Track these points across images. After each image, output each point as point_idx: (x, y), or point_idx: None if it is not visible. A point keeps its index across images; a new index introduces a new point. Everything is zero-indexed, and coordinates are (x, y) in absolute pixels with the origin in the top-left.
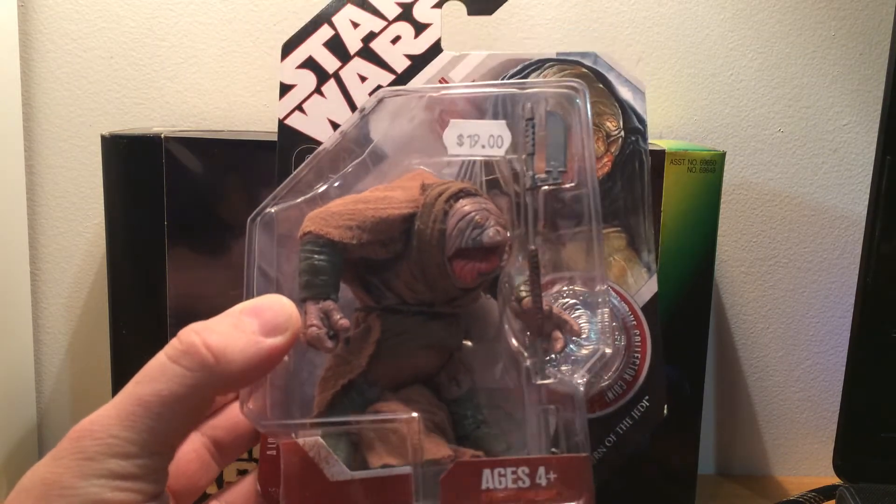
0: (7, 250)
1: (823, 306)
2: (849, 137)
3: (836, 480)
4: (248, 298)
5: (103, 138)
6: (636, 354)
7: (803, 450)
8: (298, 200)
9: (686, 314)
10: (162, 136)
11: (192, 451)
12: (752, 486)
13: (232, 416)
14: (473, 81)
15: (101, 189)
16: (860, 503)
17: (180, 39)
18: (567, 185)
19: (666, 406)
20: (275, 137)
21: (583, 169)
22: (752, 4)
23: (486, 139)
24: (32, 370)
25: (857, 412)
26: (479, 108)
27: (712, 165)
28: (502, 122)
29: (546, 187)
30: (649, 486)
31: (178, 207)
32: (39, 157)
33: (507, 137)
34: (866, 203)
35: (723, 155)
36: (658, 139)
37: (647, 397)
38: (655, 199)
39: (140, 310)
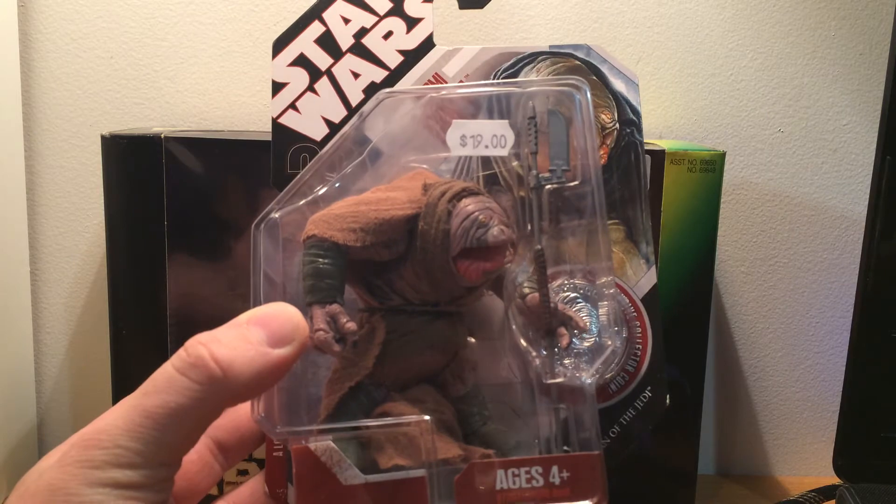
0: (7, 250)
1: (823, 306)
2: (849, 137)
3: (836, 480)
4: (254, 305)
5: (103, 138)
6: (637, 346)
7: (803, 450)
8: (300, 203)
9: (686, 314)
10: (162, 136)
11: (194, 452)
12: (752, 486)
13: (235, 418)
14: (467, 76)
15: (101, 189)
16: (860, 503)
17: (180, 39)
18: (571, 184)
19: (668, 396)
20: None
21: (586, 166)
22: (752, 4)
23: (490, 139)
24: (32, 370)
25: (857, 412)
26: (474, 104)
27: (712, 165)
28: (505, 122)
29: (550, 186)
30: (649, 486)
31: (178, 207)
32: (39, 157)
33: (511, 137)
34: (866, 203)
35: (723, 155)
36: (658, 139)
37: (648, 388)
38: (655, 199)
39: (140, 310)
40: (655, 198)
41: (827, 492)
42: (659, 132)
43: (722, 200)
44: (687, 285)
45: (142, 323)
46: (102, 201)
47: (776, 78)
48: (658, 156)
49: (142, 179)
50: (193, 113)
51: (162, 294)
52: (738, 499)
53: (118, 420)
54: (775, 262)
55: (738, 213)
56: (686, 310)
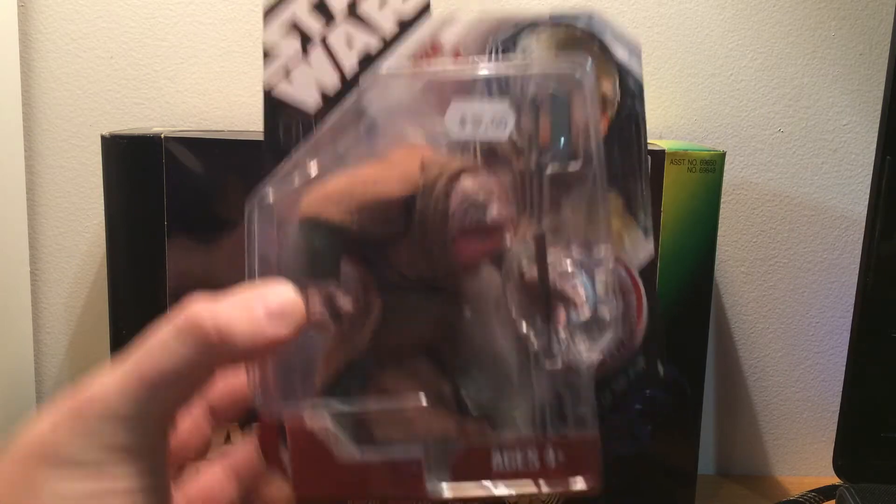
0: (7, 250)
1: (823, 306)
2: (849, 137)
3: (836, 480)
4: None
5: (103, 138)
6: (632, 317)
7: (803, 450)
8: (294, 182)
9: (686, 314)
10: (162, 136)
11: (188, 414)
12: (752, 486)
13: (226, 379)
14: (465, 47)
15: (101, 189)
16: (860, 503)
17: (180, 39)
18: (572, 167)
19: (662, 368)
20: None
21: (588, 149)
22: (752, 4)
23: (490, 120)
24: (32, 370)
25: (857, 412)
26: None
27: (712, 165)
28: (505, 104)
29: (551, 170)
30: (649, 485)
31: (178, 207)
32: (39, 157)
33: (512, 118)
34: (866, 203)
35: (723, 155)
36: (658, 139)
37: (642, 358)
38: (656, 199)
39: (140, 310)
40: (655, 198)
41: (827, 492)
42: (659, 132)
43: (722, 200)
44: (687, 285)
45: (142, 323)
46: (102, 201)
47: (776, 78)
48: (658, 156)
49: (142, 179)
50: (193, 113)
51: (162, 294)
52: (738, 499)
53: (110, 382)
54: (775, 262)
55: (738, 213)
56: (686, 310)
